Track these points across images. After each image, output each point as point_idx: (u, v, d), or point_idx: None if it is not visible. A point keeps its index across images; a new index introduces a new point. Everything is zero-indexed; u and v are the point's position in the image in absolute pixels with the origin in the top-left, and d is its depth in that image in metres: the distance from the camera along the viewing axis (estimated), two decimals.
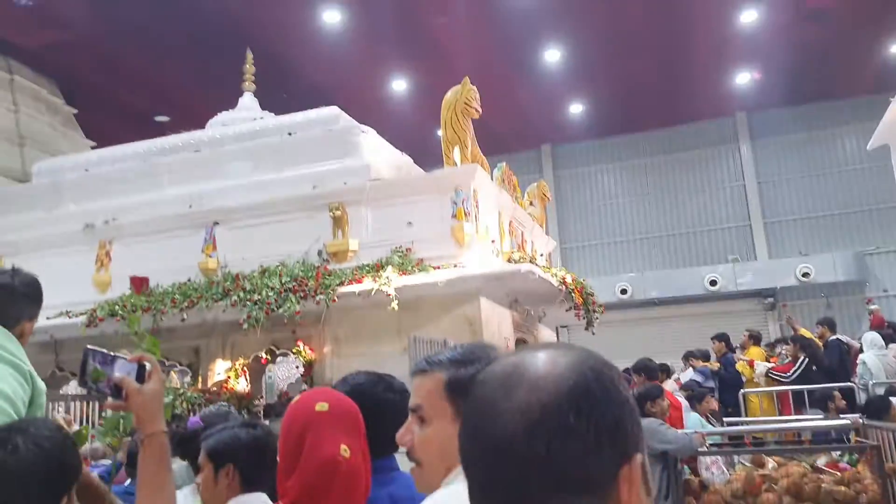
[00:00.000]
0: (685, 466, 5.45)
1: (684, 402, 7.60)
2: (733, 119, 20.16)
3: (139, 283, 8.64)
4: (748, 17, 14.98)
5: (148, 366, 1.61)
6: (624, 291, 18.53)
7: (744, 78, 17.92)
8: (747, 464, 5.35)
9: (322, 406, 1.70)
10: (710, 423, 7.30)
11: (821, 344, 9.78)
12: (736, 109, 19.78)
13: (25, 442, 1.50)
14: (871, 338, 9.28)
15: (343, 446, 1.65)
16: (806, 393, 8.92)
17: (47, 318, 8.31)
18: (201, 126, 10.94)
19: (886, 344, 9.34)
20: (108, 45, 14.32)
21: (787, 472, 5.02)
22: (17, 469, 1.47)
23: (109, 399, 1.62)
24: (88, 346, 1.64)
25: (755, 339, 10.56)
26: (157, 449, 1.57)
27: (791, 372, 9.24)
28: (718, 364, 10.02)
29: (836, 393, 8.10)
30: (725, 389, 9.37)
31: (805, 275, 17.53)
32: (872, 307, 12.21)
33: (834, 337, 9.85)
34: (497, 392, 0.80)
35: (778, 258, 18.90)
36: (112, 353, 1.63)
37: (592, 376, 0.79)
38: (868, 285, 18.16)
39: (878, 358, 8.86)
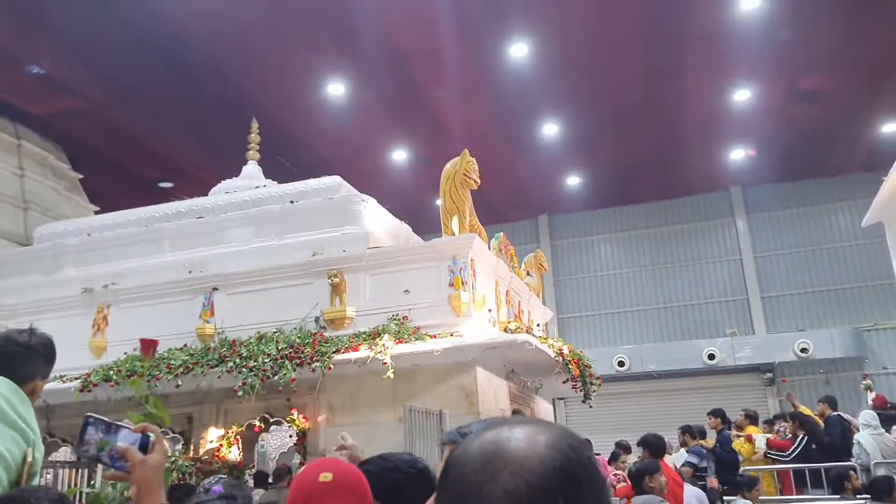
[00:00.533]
0: None
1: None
2: (728, 193, 20.45)
3: (148, 346, 8.47)
4: (741, 96, 15.39)
5: (152, 437, 1.60)
6: (621, 364, 18.43)
7: (738, 154, 18.27)
8: None
9: (326, 476, 1.70)
10: None
11: (821, 421, 9.66)
12: (731, 184, 20.09)
13: None
14: (867, 417, 9.14)
15: None
16: (807, 472, 8.77)
17: None
18: (205, 193, 11.10)
19: (889, 425, 9.20)
20: (115, 112, 14.67)
21: None
22: None
23: (106, 469, 1.59)
24: (89, 414, 1.63)
25: (752, 418, 10.30)
26: None
27: (791, 450, 9.11)
28: (714, 442, 9.84)
29: (853, 472, 7.93)
30: (722, 468, 9.15)
31: (804, 350, 17.46)
32: (866, 382, 12.13)
33: (835, 413, 9.73)
34: (479, 475, 0.78)
35: (776, 333, 18.87)
36: (115, 422, 1.61)
37: (574, 456, 0.79)
38: (867, 362, 18.07)
39: (872, 438, 8.72)
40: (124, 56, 12.88)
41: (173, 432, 8.93)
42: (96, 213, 14.11)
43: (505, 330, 8.29)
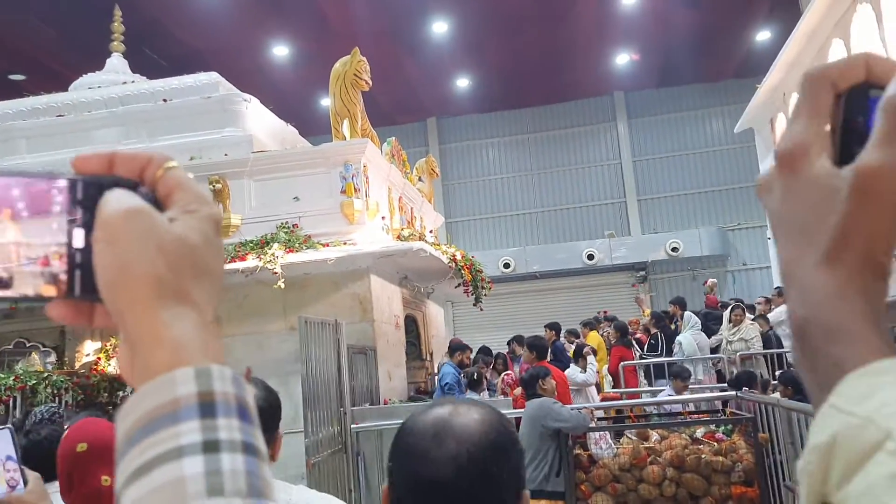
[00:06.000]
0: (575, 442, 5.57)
1: None
2: (611, 98, 20.83)
3: None
4: (629, 0, 15.41)
5: None
6: (507, 265, 18.88)
7: (622, 59, 18.50)
8: (633, 437, 5.55)
9: (82, 447, 1.86)
10: None
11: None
12: (614, 89, 20.43)
13: None
14: (688, 318, 10.08)
15: (104, 477, 1.82)
16: (666, 366, 9.51)
17: None
18: (63, 88, 10.05)
19: (717, 324, 9.99)
20: None
21: (670, 445, 5.24)
22: None
23: None
24: None
25: (590, 325, 11.31)
26: None
27: (657, 351, 9.89)
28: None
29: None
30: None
31: (674, 249, 18.51)
32: (709, 284, 12.91)
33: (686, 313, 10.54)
34: (430, 442, 1.01)
35: (650, 233, 19.83)
36: None
37: (505, 432, 1.05)
38: (730, 259, 19.42)
39: (692, 336, 9.63)
40: None
41: (44, 346, 8.40)
42: None
43: (398, 237, 8.16)
